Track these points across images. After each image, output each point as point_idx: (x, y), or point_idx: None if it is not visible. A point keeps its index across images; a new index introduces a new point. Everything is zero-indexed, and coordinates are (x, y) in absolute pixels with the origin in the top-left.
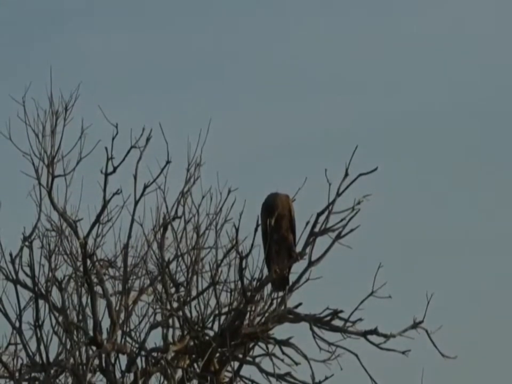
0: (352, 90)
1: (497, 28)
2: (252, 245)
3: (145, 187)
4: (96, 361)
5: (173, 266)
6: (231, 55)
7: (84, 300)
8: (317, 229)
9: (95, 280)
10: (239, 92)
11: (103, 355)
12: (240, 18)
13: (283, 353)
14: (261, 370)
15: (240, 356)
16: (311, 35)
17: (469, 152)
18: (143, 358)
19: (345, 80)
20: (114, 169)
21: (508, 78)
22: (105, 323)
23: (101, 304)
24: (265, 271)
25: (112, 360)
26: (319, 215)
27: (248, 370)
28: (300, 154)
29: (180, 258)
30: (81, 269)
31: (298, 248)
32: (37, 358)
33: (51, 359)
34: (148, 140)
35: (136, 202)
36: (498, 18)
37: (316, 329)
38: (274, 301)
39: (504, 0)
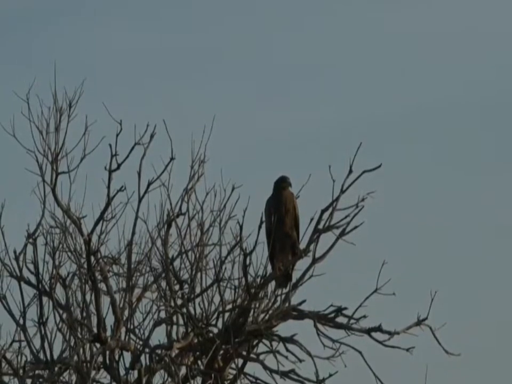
0: (355, 86)
1: (504, 25)
2: (256, 241)
3: (149, 184)
4: (100, 359)
5: (177, 263)
6: (233, 49)
7: (87, 297)
8: (321, 226)
9: (99, 277)
10: (241, 88)
11: (107, 352)
12: (240, 11)
13: (287, 350)
14: (265, 367)
15: (244, 353)
16: (314, 29)
17: (473, 148)
18: (147, 355)
19: (349, 76)
20: (118, 166)
21: None
22: (109, 320)
23: (105, 301)
24: (269, 268)
25: (116, 357)
26: (323, 212)
27: (252, 368)
28: (304, 151)
29: (184, 255)
30: (85, 266)
31: (302, 245)
32: (41, 355)
33: (55, 356)
34: (151, 136)
35: (140, 199)
36: (506, 16)
37: (320, 326)
38: (278, 298)
39: None
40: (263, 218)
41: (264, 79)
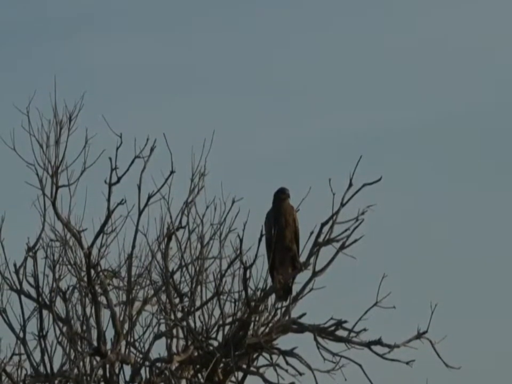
0: (354, 100)
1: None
2: (256, 255)
3: (149, 197)
4: (100, 372)
5: (177, 276)
6: (233, 64)
7: (88, 310)
8: (321, 239)
9: (99, 290)
10: (241, 102)
11: (107, 365)
12: (240, 27)
13: (287, 363)
14: (265, 380)
15: (244, 366)
16: (312, 45)
17: (472, 162)
18: (147, 369)
19: (347, 90)
20: (119, 179)
21: None
22: (109, 333)
23: (105, 314)
24: (270, 281)
25: (116, 371)
26: (323, 225)
27: (252, 381)
28: (304, 164)
29: (184, 269)
30: (85, 279)
31: (302, 258)
32: (41, 369)
33: (55, 370)
34: (151, 149)
35: (140, 213)
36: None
37: (320, 339)
38: (279, 311)
39: None
40: (263, 231)
41: (263, 93)
